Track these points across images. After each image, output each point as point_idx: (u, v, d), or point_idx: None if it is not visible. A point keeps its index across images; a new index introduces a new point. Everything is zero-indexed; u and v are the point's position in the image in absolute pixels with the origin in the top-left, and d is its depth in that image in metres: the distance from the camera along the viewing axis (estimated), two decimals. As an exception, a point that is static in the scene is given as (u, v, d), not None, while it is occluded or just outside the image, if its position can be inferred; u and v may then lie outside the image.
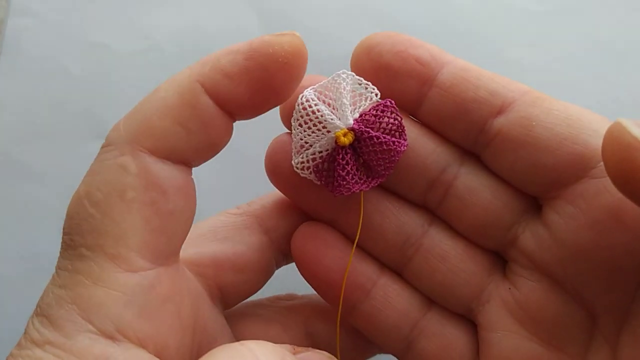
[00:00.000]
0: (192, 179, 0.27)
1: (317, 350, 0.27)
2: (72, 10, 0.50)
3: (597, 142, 0.26)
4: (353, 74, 0.29)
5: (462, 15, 0.49)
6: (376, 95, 0.29)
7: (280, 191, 0.32)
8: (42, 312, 0.23)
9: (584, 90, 0.47)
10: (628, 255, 0.26)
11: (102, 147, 0.26)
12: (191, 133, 0.26)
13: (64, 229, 0.25)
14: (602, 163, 0.26)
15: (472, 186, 0.29)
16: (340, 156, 0.28)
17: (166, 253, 0.25)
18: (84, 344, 0.22)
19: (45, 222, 0.45)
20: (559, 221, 0.27)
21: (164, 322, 0.25)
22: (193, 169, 0.27)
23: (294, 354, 0.26)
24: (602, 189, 0.26)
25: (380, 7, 0.50)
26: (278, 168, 0.30)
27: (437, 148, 0.29)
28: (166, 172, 0.25)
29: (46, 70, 0.48)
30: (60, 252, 0.25)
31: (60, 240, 0.25)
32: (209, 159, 0.28)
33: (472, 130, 0.29)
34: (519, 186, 0.29)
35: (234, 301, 0.32)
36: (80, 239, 0.24)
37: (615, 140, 0.22)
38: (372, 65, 0.29)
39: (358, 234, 0.30)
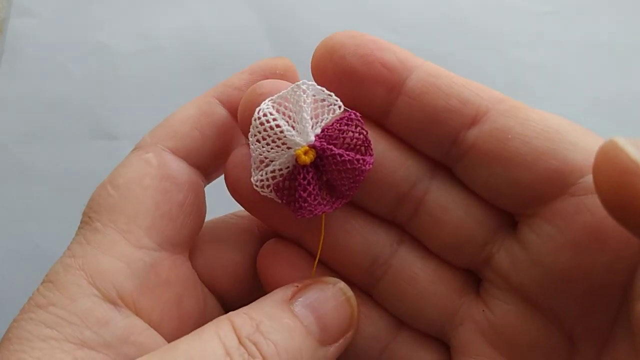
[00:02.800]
0: (203, 186, 0.30)
1: (323, 283, 0.27)
2: (73, 10, 0.51)
3: (576, 156, 0.24)
4: (314, 84, 0.26)
5: (462, 15, 0.48)
6: (339, 107, 0.26)
7: (243, 207, 0.29)
8: (48, 279, 0.25)
9: (584, 90, 0.46)
10: (609, 277, 0.24)
11: (131, 151, 0.29)
12: (207, 138, 0.29)
13: (84, 211, 0.27)
14: (582, 180, 0.24)
15: (444, 202, 0.27)
16: (302, 176, 0.26)
17: (172, 240, 0.27)
18: (87, 307, 0.24)
19: (45, 222, 0.45)
20: (536, 241, 0.25)
21: (159, 302, 0.26)
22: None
23: (294, 296, 0.26)
24: (582, 208, 0.24)
25: (380, 6, 0.49)
26: (238, 183, 0.28)
27: (406, 161, 0.27)
28: (182, 169, 0.28)
29: (47, 70, 0.49)
30: (76, 232, 0.27)
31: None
32: (221, 169, 0.30)
33: (443, 142, 0.26)
34: (494, 202, 0.27)
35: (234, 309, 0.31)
36: (97, 215, 0.26)
37: (610, 162, 0.20)
38: (335, 70, 0.27)
39: (317, 257, 0.28)
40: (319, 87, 0.26)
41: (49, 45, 0.50)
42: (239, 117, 0.28)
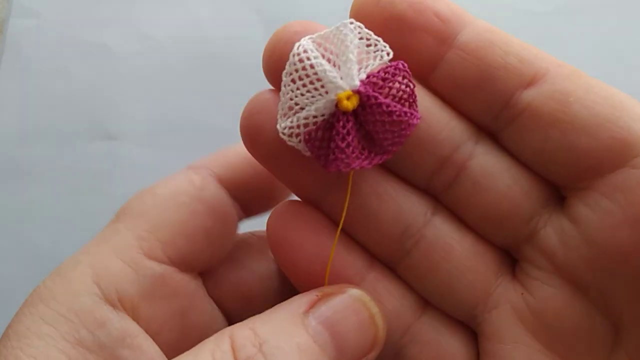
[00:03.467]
0: (237, 220, 0.29)
1: (345, 294, 0.24)
2: (73, 11, 0.50)
3: None
4: (362, 25, 0.24)
5: None
6: (387, 54, 0.24)
7: (258, 160, 0.26)
8: (57, 271, 0.25)
9: None
10: None
11: (184, 168, 0.29)
12: (258, 176, 0.29)
13: (120, 208, 0.28)
14: None
15: (489, 168, 0.25)
16: (341, 124, 0.23)
17: (186, 262, 0.26)
18: (87, 305, 0.24)
19: (45, 222, 0.45)
20: (591, 217, 0.23)
21: (161, 312, 0.26)
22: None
23: (311, 307, 0.24)
24: None
25: None
26: (257, 131, 0.25)
27: (450, 121, 0.25)
28: (221, 198, 0.28)
29: (47, 70, 0.49)
30: (105, 225, 0.27)
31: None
32: (262, 211, 0.30)
33: (495, 102, 0.24)
34: (544, 172, 0.25)
35: None
36: (125, 217, 0.27)
37: None
38: (381, 15, 0.24)
39: (342, 219, 0.25)
40: (366, 30, 0.24)
41: (49, 45, 0.49)
42: (264, 57, 0.25)
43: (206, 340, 0.23)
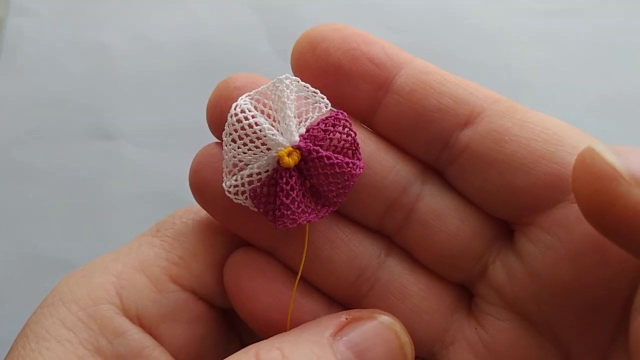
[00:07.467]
0: None
1: (375, 320, 0.24)
2: (71, 9, 0.51)
3: None
4: (298, 79, 0.24)
5: (463, 14, 0.49)
6: (326, 106, 0.24)
7: (210, 214, 0.26)
8: (82, 273, 0.25)
9: (586, 89, 0.47)
10: (611, 292, 0.23)
11: None
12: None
13: (158, 222, 0.27)
14: None
15: (438, 209, 0.25)
16: (284, 180, 0.23)
17: (210, 297, 0.27)
18: (107, 314, 0.24)
19: (45, 222, 0.45)
20: (534, 252, 0.24)
21: (180, 337, 0.26)
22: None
23: (339, 330, 0.23)
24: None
25: (381, 6, 0.50)
26: (206, 186, 0.25)
27: (396, 165, 0.25)
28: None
29: (46, 69, 0.49)
30: (140, 234, 0.27)
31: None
32: None
33: (435, 143, 0.25)
34: (490, 209, 0.25)
35: None
36: (163, 232, 0.27)
37: (587, 168, 0.20)
38: (318, 65, 0.25)
39: (300, 270, 0.25)
40: (303, 83, 0.24)
41: (47, 44, 0.50)
42: (207, 113, 0.25)
43: (232, 356, 0.23)
